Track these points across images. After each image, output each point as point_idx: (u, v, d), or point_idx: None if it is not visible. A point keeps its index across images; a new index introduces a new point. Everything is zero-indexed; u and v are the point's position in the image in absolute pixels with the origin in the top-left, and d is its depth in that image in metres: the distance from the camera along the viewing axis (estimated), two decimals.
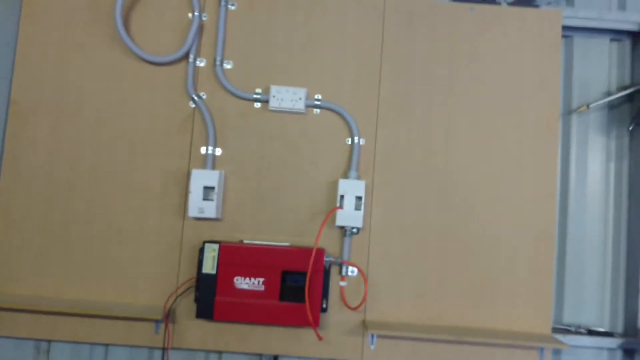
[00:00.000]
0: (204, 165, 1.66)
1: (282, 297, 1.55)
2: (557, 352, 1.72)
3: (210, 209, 1.60)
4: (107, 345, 1.67)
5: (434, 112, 1.72)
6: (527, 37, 1.74)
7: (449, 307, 1.66)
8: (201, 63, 1.70)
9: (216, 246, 1.56)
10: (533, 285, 1.66)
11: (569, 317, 1.76)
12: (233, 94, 1.68)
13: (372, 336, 1.63)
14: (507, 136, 1.72)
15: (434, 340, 1.62)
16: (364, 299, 1.60)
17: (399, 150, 1.71)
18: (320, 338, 1.55)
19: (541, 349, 1.63)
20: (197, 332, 1.62)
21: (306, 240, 1.66)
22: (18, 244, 1.64)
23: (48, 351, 1.68)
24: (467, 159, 1.71)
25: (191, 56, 1.68)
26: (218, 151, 1.68)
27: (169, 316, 1.60)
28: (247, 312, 1.54)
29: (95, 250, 1.64)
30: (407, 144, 1.71)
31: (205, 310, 1.54)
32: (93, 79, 1.69)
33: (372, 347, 1.63)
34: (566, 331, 1.71)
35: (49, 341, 1.68)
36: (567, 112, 1.80)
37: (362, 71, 1.72)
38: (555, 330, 1.70)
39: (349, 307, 1.61)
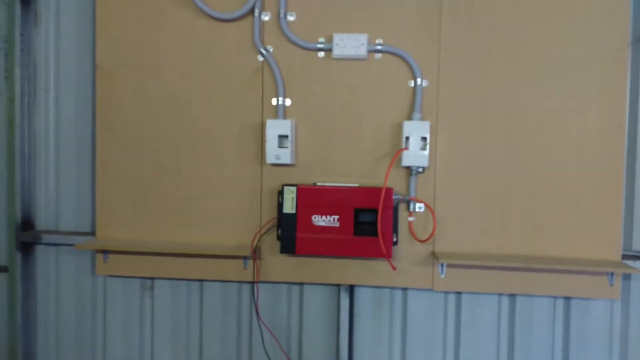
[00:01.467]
0: (276, 116, 1.77)
1: (356, 232, 1.68)
2: (626, 277, 1.77)
3: (285, 156, 1.72)
4: (201, 281, 1.90)
5: (496, 48, 1.72)
6: None
7: (513, 239, 1.74)
8: (266, 17, 1.77)
9: (294, 188, 1.70)
10: (600, 215, 1.70)
11: (639, 244, 1.79)
12: (298, 45, 1.76)
13: (442, 265, 1.74)
14: (573, 68, 1.70)
15: (501, 268, 1.71)
16: (434, 231, 1.70)
17: (461, 90, 1.74)
18: (394, 268, 1.68)
19: (610, 274, 1.69)
20: (281, 267, 1.80)
21: (374, 181, 1.77)
22: (118, 194, 1.85)
23: (152, 287, 1.94)
24: (530, 94, 1.72)
25: (256, 11, 1.75)
26: (288, 102, 1.78)
27: (255, 253, 1.78)
28: (325, 246, 1.69)
29: (184, 198, 1.83)
30: (469, 83, 1.74)
31: (288, 246, 1.70)
32: (169, 40, 1.81)
33: (442, 275, 1.75)
34: (636, 257, 1.75)
35: (152, 279, 1.92)
36: (638, 40, 1.75)
37: (422, 14, 1.73)
38: (625, 257, 1.74)
39: (418, 240, 1.72)
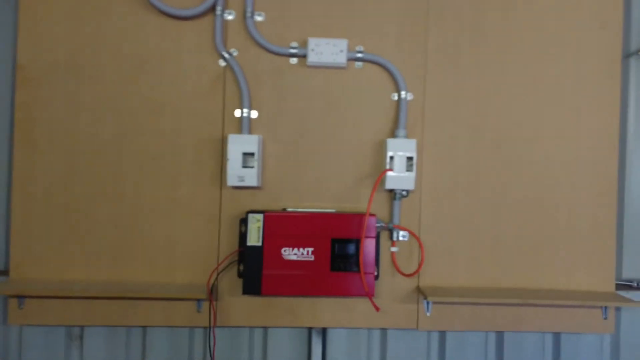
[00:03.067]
0: (239, 130, 1.52)
1: (333, 266, 1.45)
2: (617, 307, 1.65)
3: (250, 177, 1.46)
4: (144, 327, 1.57)
5: (485, 61, 1.58)
6: None
7: (505, 269, 1.58)
8: (230, 16, 1.53)
9: (260, 216, 1.44)
10: (594, 242, 1.58)
11: (629, 272, 1.69)
12: (267, 49, 1.52)
13: (428, 303, 1.55)
14: (564, 84, 1.59)
15: (493, 304, 1.54)
16: (421, 265, 1.50)
17: (449, 105, 1.58)
18: (377, 309, 1.45)
19: (605, 308, 1.57)
20: (242, 309, 1.52)
21: (352, 206, 1.55)
22: (41, 224, 1.50)
23: (81, 337, 1.57)
24: (522, 111, 1.59)
25: (218, 8, 1.50)
26: (254, 114, 1.53)
27: (212, 293, 1.49)
28: (297, 285, 1.43)
29: (126, 228, 1.51)
30: (457, 98, 1.58)
31: (252, 285, 1.43)
32: (110, 38, 1.51)
33: (428, 313, 1.55)
34: (628, 287, 1.64)
35: (82, 327, 1.57)
36: (626, 56, 1.68)
37: (407, 19, 1.57)
38: (617, 286, 1.63)
39: (403, 274, 1.51)
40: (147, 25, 1.52)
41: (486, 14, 1.58)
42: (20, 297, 1.48)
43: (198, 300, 1.50)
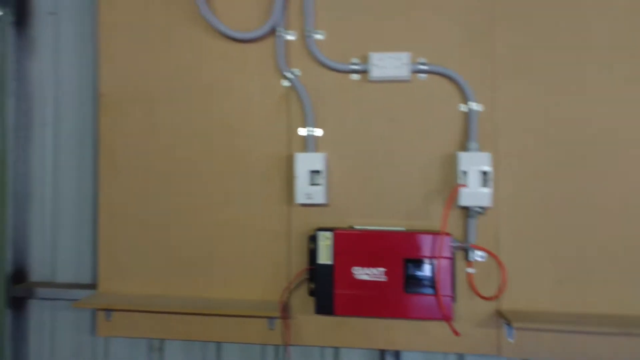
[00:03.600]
0: (304, 148, 1.52)
1: (407, 288, 1.39)
2: None
3: (318, 194, 1.46)
4: (218, 342, 1.62)
5: (559, 67, 1.45)
6: None
7: (595, 293, 1.43)
8: (290, 36, 1.54)
9: (330, 234, 1.42)
10: None
11: None
12: (328, 67, 1.51)
13: (510, 328, 1.44)
14: None
15: (587, 333, 1.40)
16: (503, 288, 1.41)
17: (522, 113, 1.47)
18: (457, 333, 1.37)
19: None
20: (314, 328, 1.51)
21: (421, 223, 1.48)
22: (123, 241, 1.60)
23: (161, 349, 1.66)
24: (606, 116, 1.44)
25: (279, 29, 1.52)
26: (318, 131, 1.53)
27: (284, 311, 1.49)
28: (370, 305, 1.40)
29: (200, 245, 1.56)
30: (530, 107, 1.46)
31: (325, 304, 1.41)
32: (180, 64, 1.58)
33: (511, 340, 1.44)
34: None
35: (162, 340, 1.65)
36: None
37: (471, 27, 1.48)
38: None
39: (483, 297, 1.42)
40: (213, 51, 1.58)
41: (557, 17, 1.46)
42: (108, 310, 1.59)
43: (271, 317, 1.51)
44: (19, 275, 1.69)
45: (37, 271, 1.72)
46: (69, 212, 1.70)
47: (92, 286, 1.67)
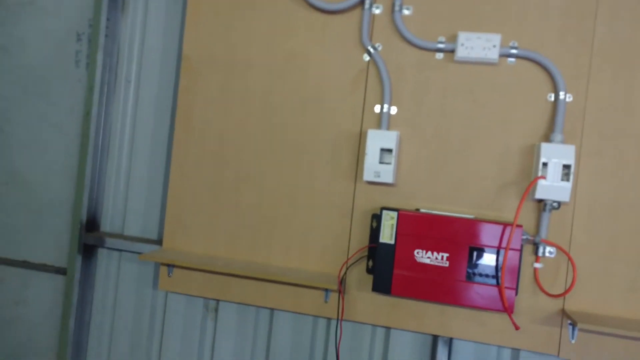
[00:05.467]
0: (377, 125, 1.50)
1: (469, 276, 1.37)
2: None
3: (386, 173, 1.44)
4: (272, 309, 1.66)
5: None
6: None
7: None
8: (377, 10, 1.51)
9: (395, 214, 1.41)
10: None
11: None
12: (413, 44, 1.48)
13: (574, 328, 1.38)
14: None
15: None
16: (572, 286, 1.35)
17: (616, 110, 1.39)
18: (517, 327, 1.34)
19: None
20: (369, 305, 1.51)
21: (492, 214, 1.44)
22: (192, 201, 1.65)
23: (216, 309, 1.71)
24: None
25: (367, 2, 1.49)
26: (393, 110, 1.51)
27: (341, 285, 1.51)
28: (428, 289, 1.38)
29: (266, 213, 1.59)
30: (627, 103, 1.38)
31: (382, 283, 1.41)
32: (262, 33, 1.60)
33: (573, 340, 1.39)
34: None
35: (218, 300, 1.70)
36: None
37: (572, 13, 1.40)
38: None
39: (548, 294, 1.37)
40: (295, 20, 1.57)
41: None
42: (170, 266, 1.66)
43: (326, 290, 1.53)
44: (91, 223, 1.79)
45: (109, 222, 1.81)
46: (143, 169, 1.77)
47: (158, 242, 1.74)
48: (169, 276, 1.67)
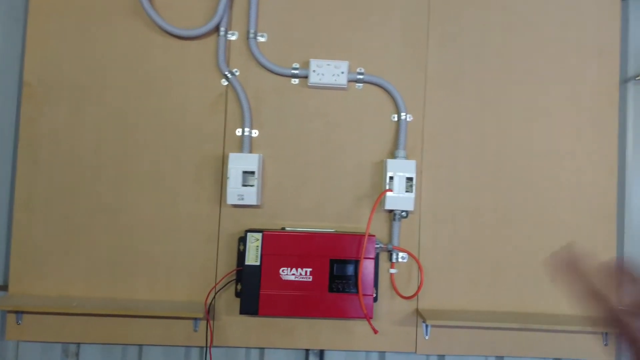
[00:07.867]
0: (240, 149, 1.53)
1: (331, 287, 1.44)
2: None
3: (250, 196, 1.47)
4: (140, 345, 1.56)
5: (486, 85, 1.59)
6: (585, 2, 1.62)
7: (505, 293, 1.56)
8: (233, 36, 1.55)
9: (259, 235, 1.44)
10: None
11: None
12: (268, 70, 1.54)
13: (427, 326, 1.53)
14: (564, 110, 1.60)
15: (493, 329, 1.53)
16: (420, 288, 1.49)
17: (449, 127, 1.59)
18: (375, 331, 1.44)
19: (605, 334, 1.55)
20: (238, 328, 1.51)
21: (352, 226, 1.55)
22: (42, 239, 1.50)
23: (77, 354, 1.56)
24: (521, 135, 1.59)
25: (222, 29, 1.53)
26: (255, 133, 1.55)
27: (209, 312, 1.48)
28: (295, 305, 1.42)
29: (125, 244, 1.51)
30: (457, 121, 1.59)
31: (250, 305, 1.41)
32: (116, 56, 1.53)
33: (427, 337, 1.53)
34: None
35: (79, 344, 1.56)
36: (623, 81, 1.68)
37: (409, 42, 1.58)
38: None
39: (403, 297, 1.50)
40: (152, 45, 1.54)
41: (486, 38, 1.60)
42: (18, 312, 1.48)
43: (195, 319, 1.49)
44: None
45: None
46: None
47: (3, 287, 1.54)
48: (18, 324, 1.49)
